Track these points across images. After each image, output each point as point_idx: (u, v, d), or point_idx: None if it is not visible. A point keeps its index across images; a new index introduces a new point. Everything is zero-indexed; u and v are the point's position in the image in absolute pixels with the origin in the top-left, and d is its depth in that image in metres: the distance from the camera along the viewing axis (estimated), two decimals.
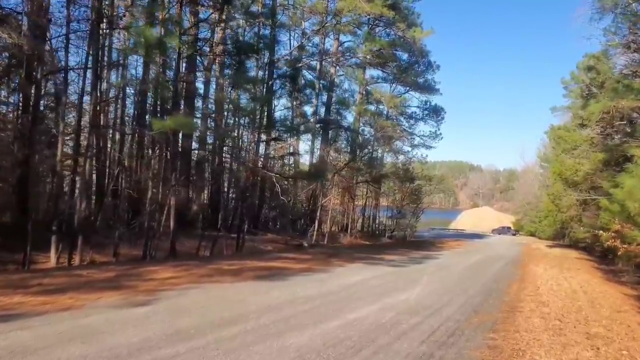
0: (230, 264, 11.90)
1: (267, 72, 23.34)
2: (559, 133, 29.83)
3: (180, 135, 17.85)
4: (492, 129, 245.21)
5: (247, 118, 22.59)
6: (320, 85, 29.92)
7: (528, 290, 11.11)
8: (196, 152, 21.50)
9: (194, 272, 10.00)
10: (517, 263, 18.88)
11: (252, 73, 22.81)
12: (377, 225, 37.41)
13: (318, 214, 25.11)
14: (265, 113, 25.05)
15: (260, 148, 24.48)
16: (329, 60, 29.23)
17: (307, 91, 30.71)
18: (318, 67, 30.10)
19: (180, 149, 16.92)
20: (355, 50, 28.32)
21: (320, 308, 7.05)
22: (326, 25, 24.87)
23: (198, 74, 20.91)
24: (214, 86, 23.61)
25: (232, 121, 23.97)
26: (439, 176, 49.54)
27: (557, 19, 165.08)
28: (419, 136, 34.73)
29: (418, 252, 21.00)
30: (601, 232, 15.61)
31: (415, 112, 34.38)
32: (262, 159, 20.58)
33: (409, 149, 34.83)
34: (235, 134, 21.79)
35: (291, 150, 30.39)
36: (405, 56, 31.50)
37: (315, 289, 8.67)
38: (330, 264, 13.71)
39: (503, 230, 58.15)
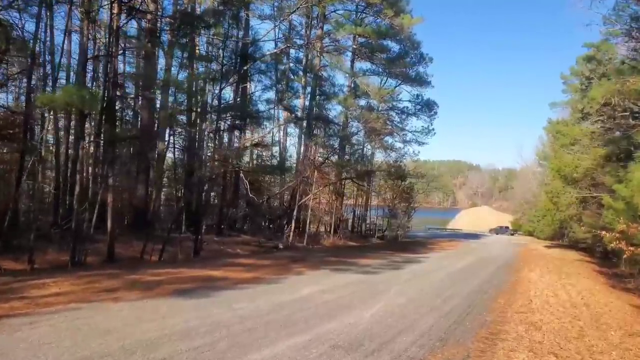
0: (159, 272, 9.90)
1: (237, 55, 21.44)
2: (558, 127, 28.20)
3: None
4: (491, 128, 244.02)
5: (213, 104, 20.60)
6: (307, 78, 28.05)
7: (518, 304, 9.19)
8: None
9: (98, 284, 8.00)
10: (510, 267, 17.06)
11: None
12: (367, 225, 35.52)
13: (295, 213, 23.11)
14: (234, 100, 23.21)
15: (235, 142, 22.56)
16: (312, 49, 27.25)
17: (291, 83, 29.01)
18: (304, 61, 28.22)
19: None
20: (336, 34, 26.41)
21: (221, 343, 5.05)
22: (307, 5, 22.90)
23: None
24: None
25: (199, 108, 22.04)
26: (433, 174, 47.74)
27: (557, 16, 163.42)
28: (410, 132, 32.92)
29: (402, 255, 19.09)
30: (604, 232, 14.16)
31: (407, 107, 32.67)
32: (228, 151, 18.52)
33: (401, 145, 32.93)
34: (198, 123, 19.71)
35: (279, 145, 28.52)
36: (396, 48, 29.82)
37: (238, 311, 6.67)
38: (289, 270, 11.73)
39: (501, 230, 56.61)
